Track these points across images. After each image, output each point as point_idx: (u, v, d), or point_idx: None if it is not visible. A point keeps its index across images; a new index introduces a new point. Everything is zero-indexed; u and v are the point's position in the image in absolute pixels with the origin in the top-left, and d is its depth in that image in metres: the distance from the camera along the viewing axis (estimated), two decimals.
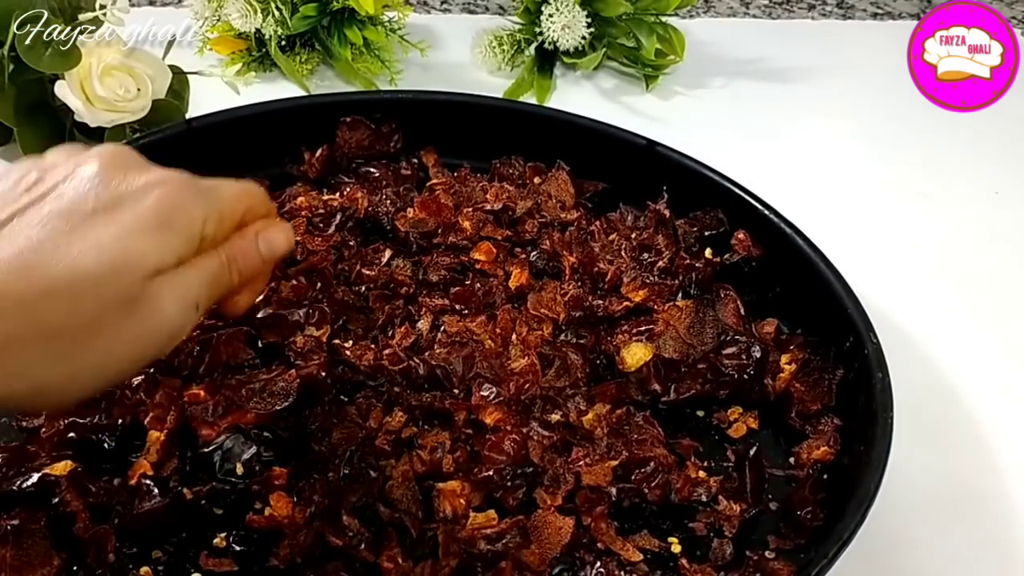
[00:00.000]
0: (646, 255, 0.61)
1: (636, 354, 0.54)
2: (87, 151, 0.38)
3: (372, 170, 0.67)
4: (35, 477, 0.45)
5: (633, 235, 0.63)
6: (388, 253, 0.61)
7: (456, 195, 0.65)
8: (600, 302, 0.58)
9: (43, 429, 0.48)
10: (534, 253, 0.61)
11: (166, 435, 0.48)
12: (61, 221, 0.34)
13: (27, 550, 0.43)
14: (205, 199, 0.39)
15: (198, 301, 0.38)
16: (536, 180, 0.67)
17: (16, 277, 0.33)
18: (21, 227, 0.34)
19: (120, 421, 0.49)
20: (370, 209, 0.63)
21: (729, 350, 0.54)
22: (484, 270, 0.60)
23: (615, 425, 0.51)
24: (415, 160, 0.69)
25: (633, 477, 0.49)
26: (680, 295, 0.58)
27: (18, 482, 0.45)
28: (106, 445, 0.48)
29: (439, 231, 0.62)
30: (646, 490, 0.49)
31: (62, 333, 0.33)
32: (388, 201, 0.63)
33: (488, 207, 0.63)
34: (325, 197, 0.65)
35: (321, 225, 0.62)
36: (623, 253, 0.61)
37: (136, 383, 0.50)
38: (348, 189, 0.65)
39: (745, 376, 0.54)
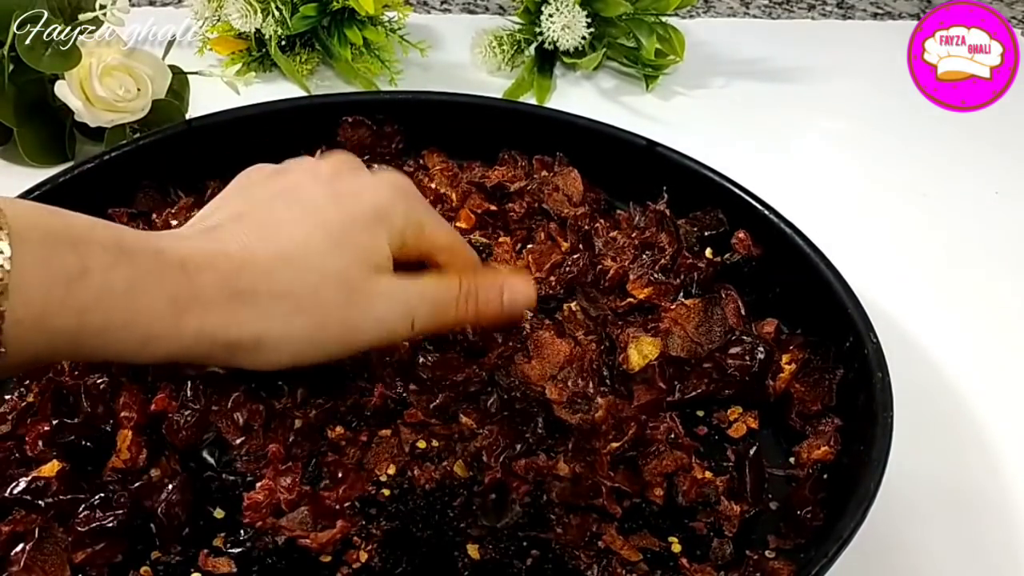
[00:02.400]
0: (648, 253, 0.61)
1: (643, 349, 0.54)
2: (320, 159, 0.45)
3: (375, 166, 0.67)
4: (23, 483, 0.45)
5: (634, 233, 0.63)
6: None
7: (454, 177, 0.65)
8: (604, 299, 0.58)
9: (27, 435, 0.48)
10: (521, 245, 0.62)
11: (133, 431, 0.48)
12: (299, 204, 0.40)
13: (47, 556, 0.43)
14: (412, 206, 0.43)
15: (414, 316, 0.42)
16: (544, 173, 0.67)
17: (263, 244, 0.39)
18: (269, 205, 0.40)
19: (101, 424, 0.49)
20: None
21: (734, 350, 0.54)
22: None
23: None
24: (420, 160, 0.69)
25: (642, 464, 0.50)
26: (682, 294, 0.58)
27: (9, 488, 0.45)
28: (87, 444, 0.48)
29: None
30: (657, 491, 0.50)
31: (287, 295, 0.39)
32: None
33: (485, 183, 0.64)
34: None
35: None
36: (627, 251, 0.61)
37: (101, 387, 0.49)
38: None
39: (747, 377, 0.54)
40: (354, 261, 0.40)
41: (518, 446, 0.49)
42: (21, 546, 0.42)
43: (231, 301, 0.38)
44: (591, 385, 0.51)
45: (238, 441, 0.48)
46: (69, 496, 0.45)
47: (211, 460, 0.48)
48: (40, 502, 0.44)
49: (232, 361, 0.40)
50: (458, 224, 0.61)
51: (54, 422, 0.47)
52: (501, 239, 0.61)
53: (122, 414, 0.48)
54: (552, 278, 0.58)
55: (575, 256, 0.59)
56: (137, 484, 0.46)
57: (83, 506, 0.44)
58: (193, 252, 0.38)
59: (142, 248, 0.37)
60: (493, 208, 0.63)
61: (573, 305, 0.56)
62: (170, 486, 0.45)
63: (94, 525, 0.44)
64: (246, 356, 0.40)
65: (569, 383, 0.51)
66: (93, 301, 0.34)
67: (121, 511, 0.44)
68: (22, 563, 0.41)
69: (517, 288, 0.46)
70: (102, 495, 0.45)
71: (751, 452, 0.51)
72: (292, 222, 0.40)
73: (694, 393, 0.54)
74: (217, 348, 0.39)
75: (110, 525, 0.44)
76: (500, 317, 0.46)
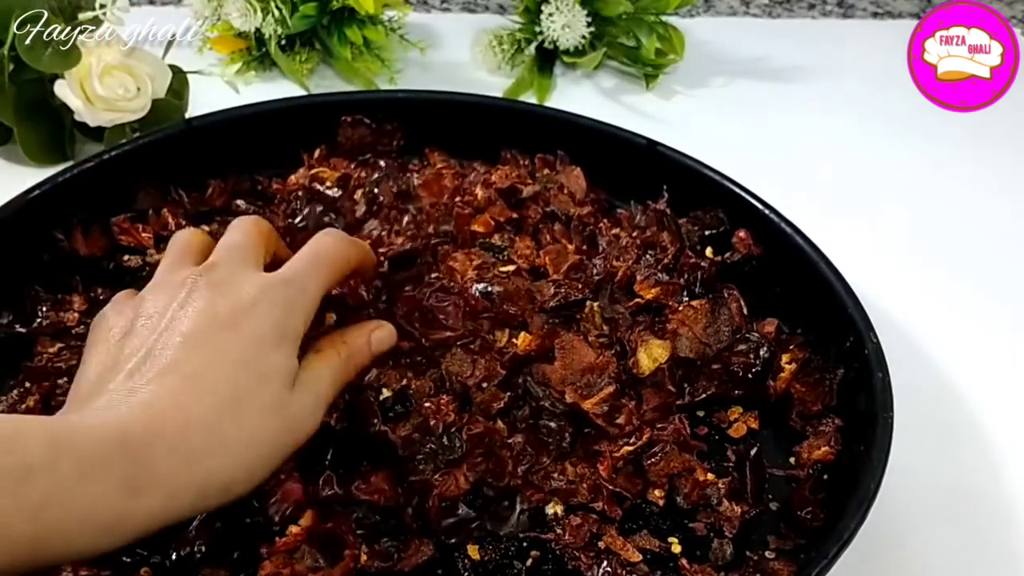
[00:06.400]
0: (651, 252, 0.60)
1: (653, 352, 0.53)
2: (184, 271, 0.44)
3: (381, 162, 0.67)
4: None
5: (635, 233, 0.63)
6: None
7: (461, 178, 0.65)
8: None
9: None
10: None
11: None
12: (201, 344, 0.40)
13: None
14: (301, 303, 0.44)
15: (327, 400, 0.45)
16: (545, 172, 0.67)
17: (196, 400, 0.38)
18: (172, 354, 0.39)
19: None
20: (367, 190, 0.63)
21: (739, 348, 0.54)
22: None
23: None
24: (424, 160, 0.69)
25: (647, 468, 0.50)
26: (685, 294, 0.58)
27: None
28: None
29: (446, 204, 0.62)
30: (658, 492, 0.50)
31: (237, 440, 0.39)
32: (390, 180, 0.64)
33: (496, 186, 0.63)
34: (315, 171, 0.66)
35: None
36: (630, 250, 0.60)
37: None
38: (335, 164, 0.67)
39: (750, 376, 0.53)
40: (278, 385, 0.41)
41: (544, 459, 0.49)
42: None
43: (187, 466, 0.37)
44: (614, 391, 0.51)
45: None
46: None
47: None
48: None
49: (207, 509, 0.40)
50: (475, 228, 0.61)
51: None
52: (517, 244, 0.60)
53: None
54: (570, 280, 0.57)
55: (596, 260, 0.59)
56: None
57: None
58: (128, 424, 0.36)
59: (77, 434, 0.35)
60: (515, 216, 0.62)
61: (596, 305, 0.55)
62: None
63: None
64: (214, 503, 0.39)
65: (594, 389, 0.51)
66: (44, 499, 0.33)
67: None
68: None
69: (382, 337, 0.50)
70: None
71: (752, 452, 0.51)
72: (209, 367, 0.39)
73: (704, 395, 0.53)
74: (184, 511, 0.38)
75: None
76: (371, 360, 0.50)
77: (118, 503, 0.35)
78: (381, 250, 0.58)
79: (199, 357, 0.39)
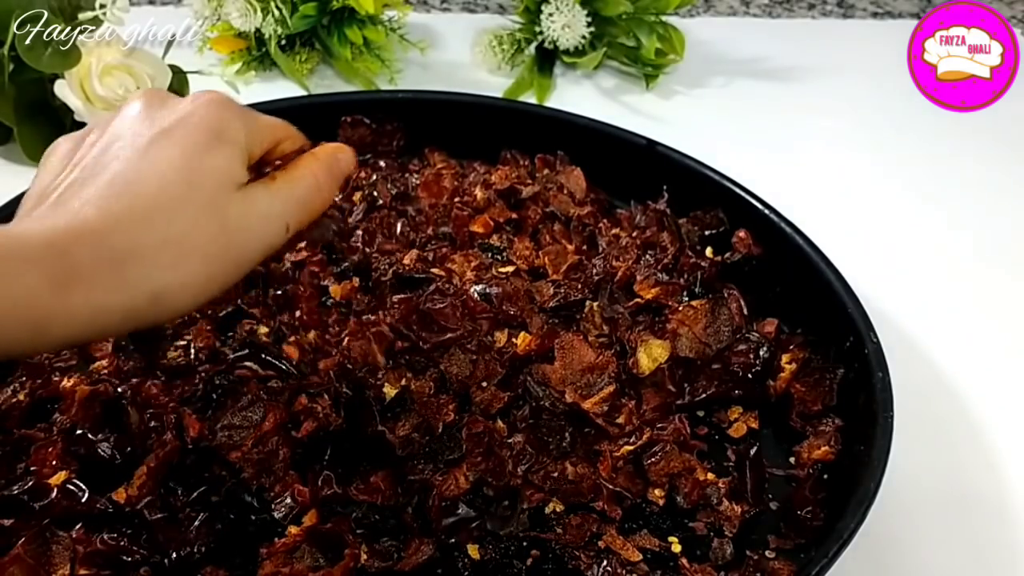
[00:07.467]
0: (651, 252, 0.60)
1: (653, 352, 0.53)
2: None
3: (381, 162, 0.67)
4: (26, 486, 0.45)
5: (635, 232, 0.63)
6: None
7: (461, 178, 0.65)
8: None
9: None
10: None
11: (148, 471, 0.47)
12: (133, 152, 0.39)
13: (50, 557, 0.43)
14: (241, 114, 0.42)
15: (288, 222, 0.42)
16: (545, 172, 0.67)
17: (120, 201, 0.37)
18: (103, 164, 0.39)
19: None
20: (367, 192, 0.63)
21: (739, 348, 0.54)
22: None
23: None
24: (423, 160, 0.69)
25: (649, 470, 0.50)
26: (685, 294, 0.58)
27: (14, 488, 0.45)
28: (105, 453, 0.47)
29: (444, 206, 0.62)
30: (659, 492, 0.50)
31: (167, 243, 0.38)
32: (389, 181, 0.64)
33: (496, 186, 0.63)
34: None
35: None
36: (630, 250, 0.60)
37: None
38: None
39: (750, 375, 0.53)
40: (216, 188, 0.39)
41: (544, 459, 0.49)
42: (23, 541, 0.42)
43: (112, 265, 0.36)
44: (614, 390, 0.51)
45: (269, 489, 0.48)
46: (75, 511, 0.45)
47: (250, 500, 0.48)
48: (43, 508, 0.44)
49: (137, 325, 0.39)
50: (474, 228, 0.61)
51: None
52: (516, 244, 0.60)
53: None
54: (570, 280, 0.57)
55: (596, 260, 0.59)
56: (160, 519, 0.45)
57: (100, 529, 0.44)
58: (54, 229, 0.36)
59: (5, 237, 0.35)
60: (514, 216, 0.62)
61: (596, 305, 0.55)
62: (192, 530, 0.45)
63: (99, 546, 0.44)
64: (148, 314, 0.38)
65: (594, 389, 0.51)
66: None
67: (139, 550, 0.44)
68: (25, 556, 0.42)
69: (342, 156, 0.47)
70: (128, 529, 0.45)
71: (752, 452, 0.51)
72: (138, 171, 0.38)
73: (704, 395, 0.53)
74: (115, 316, 0.37)
75: (120, 544, 0.44)
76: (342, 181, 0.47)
77: (46, 298, 0.35)
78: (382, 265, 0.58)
79: (127, 162, 0.39)
